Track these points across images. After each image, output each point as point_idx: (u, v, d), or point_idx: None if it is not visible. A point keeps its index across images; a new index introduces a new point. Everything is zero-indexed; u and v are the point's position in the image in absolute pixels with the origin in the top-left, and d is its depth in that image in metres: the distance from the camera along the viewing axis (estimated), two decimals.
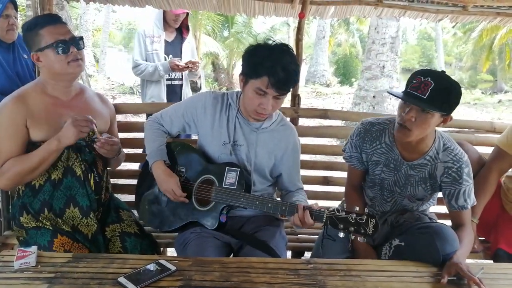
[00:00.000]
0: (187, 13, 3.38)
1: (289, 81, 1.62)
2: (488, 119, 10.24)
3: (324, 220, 1.51)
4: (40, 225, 1.73)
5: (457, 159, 1.67)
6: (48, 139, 1.70)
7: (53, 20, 1.73)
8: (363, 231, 1.47)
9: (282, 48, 1.64)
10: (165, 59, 3.30)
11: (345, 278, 1.45)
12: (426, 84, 1.52)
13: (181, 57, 3.36)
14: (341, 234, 1.49)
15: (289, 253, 2.18)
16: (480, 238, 2.15)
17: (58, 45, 1.68)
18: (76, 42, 1.74)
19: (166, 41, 3.35)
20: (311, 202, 1.72)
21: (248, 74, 1.66)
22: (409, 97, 1.56)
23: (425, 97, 1.52)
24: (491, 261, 2.04)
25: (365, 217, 1.48)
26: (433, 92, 1.51)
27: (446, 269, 1.48)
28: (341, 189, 1.65)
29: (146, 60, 3.31)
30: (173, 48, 3.39)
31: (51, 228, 1.72)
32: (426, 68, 1.76)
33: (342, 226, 1.48)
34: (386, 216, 1.88)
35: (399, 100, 1.62)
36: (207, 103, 1.81)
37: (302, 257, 2.19)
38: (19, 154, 1.69)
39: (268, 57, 1.60)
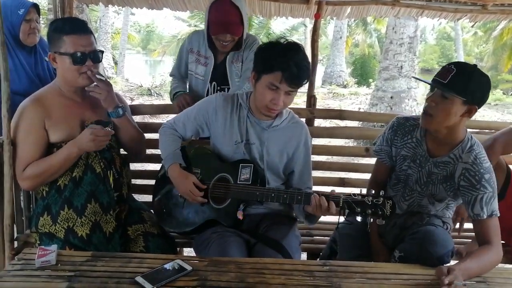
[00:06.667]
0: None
1: (301, 76, 1.66)
2: (509, 120, 10.02)
3: (341, 205, 1.52)
4: (53, 231, 1.76)
5: (478, 163, 1.62)
6: (65, 139, 1.76)
7: (79, 29, 1.76)
8: (380, 212, 1.48)
9: (295, 46, 1.70)
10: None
11: (361, 281, 1.44)
12: (449, 70, 1.58)
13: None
14: (359, 218, 1.50)
15: (304, 255, 2.17)
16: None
17: (75, 56, 1.73)
18: (95, 56, 1.78)
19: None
20: None
21: (261, 70, 1.69)
22: (432, 82, 1.62)
23: (445, 82, 1.56)
24: None
25: (382, 198, 1.48)
26: (454, 77, 1.55)
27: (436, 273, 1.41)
28: (358, 190, 1.65)
29: None
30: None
31: (62, 237, 1.75)
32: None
33: (359, 209, 1.49)
34: (396, 219, 1.86)
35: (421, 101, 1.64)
36: (218, 105, 1.84)
37: (318, 259, 2.18)
38: (40, 157, 1.75)
39: (281, 53, 1.65)
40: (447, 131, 1.66)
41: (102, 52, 1.86)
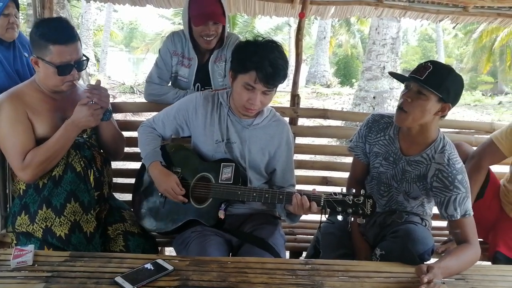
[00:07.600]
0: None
1: (276, 75, 1.62)
2: (488, 121, 10.25)
3: (322, 204, 1.53)
4: (31, 231, 1.72)
5: (451, 164, 1.64)
6: (50, 134, 1.71)
7: (67, 39, 1.68)
8: (361, 211, 1.49)
9: (270, 44, 1.65)
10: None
11: (343, 279, 1.44)
12: (425, 67, 1.60)
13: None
14: (340, 217, 1.50)
15: (287, 254, 2.17)
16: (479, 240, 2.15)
17: (61, 67, 1.68)
18: (80, 65, 1.74)
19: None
20: None
21: (236, 69, 1.66)
22: (408, 80, 1.64)
23: (421, 78, 1.58)
24: (489, 263, 2.03)
25: (362, 197, 1.50)
26: (430, 74, 1.57)
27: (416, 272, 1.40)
28: (340, 189, 1.67)
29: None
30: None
31: (40, 236, 1.71)
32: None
33: (340, 208, 1.50)
34: (375, 217, 1.88)
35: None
36: (198, 104, 1.82)
37: (300, 258, 2.19)
38: (34, 146, 1.70)
39: (256, 52, 1.60)
40: (420, 128, 1.68)
41: (88, 59, 1.80)
